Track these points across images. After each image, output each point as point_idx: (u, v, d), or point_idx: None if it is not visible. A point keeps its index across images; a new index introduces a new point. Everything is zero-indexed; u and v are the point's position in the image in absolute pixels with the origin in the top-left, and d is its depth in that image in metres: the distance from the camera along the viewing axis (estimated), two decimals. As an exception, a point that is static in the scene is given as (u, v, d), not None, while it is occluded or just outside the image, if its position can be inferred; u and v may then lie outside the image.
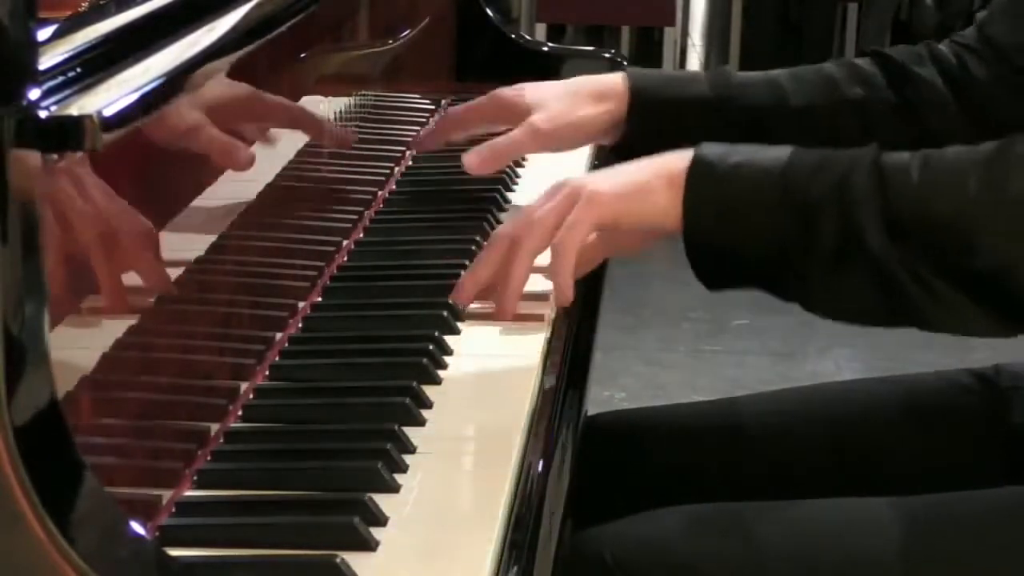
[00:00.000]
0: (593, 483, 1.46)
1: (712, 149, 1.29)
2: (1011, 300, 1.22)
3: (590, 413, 1.48)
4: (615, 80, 1.58)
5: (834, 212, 1.22)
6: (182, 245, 1.11)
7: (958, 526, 1.28)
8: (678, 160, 1.29)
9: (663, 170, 1.29)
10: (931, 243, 1.21)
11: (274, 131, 1.32)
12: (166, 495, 1.02)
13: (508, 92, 1.60)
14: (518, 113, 1.56)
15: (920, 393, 1.51)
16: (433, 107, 1.96)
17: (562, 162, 1.80)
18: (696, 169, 1.28)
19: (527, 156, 1.81)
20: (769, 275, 1.27)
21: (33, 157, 0.83)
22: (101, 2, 1.03)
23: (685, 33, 7.36)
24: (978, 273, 1.20)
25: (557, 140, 1.57)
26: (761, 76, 1.58)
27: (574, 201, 1.30)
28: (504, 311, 1.31)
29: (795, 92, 1.55)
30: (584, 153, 1.82)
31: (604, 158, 1.83)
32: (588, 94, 1.57)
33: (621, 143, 1.57)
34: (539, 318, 1.34)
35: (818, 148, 1.29)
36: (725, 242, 1.27)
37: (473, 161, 1.54)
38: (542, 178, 1.74)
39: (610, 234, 1.34)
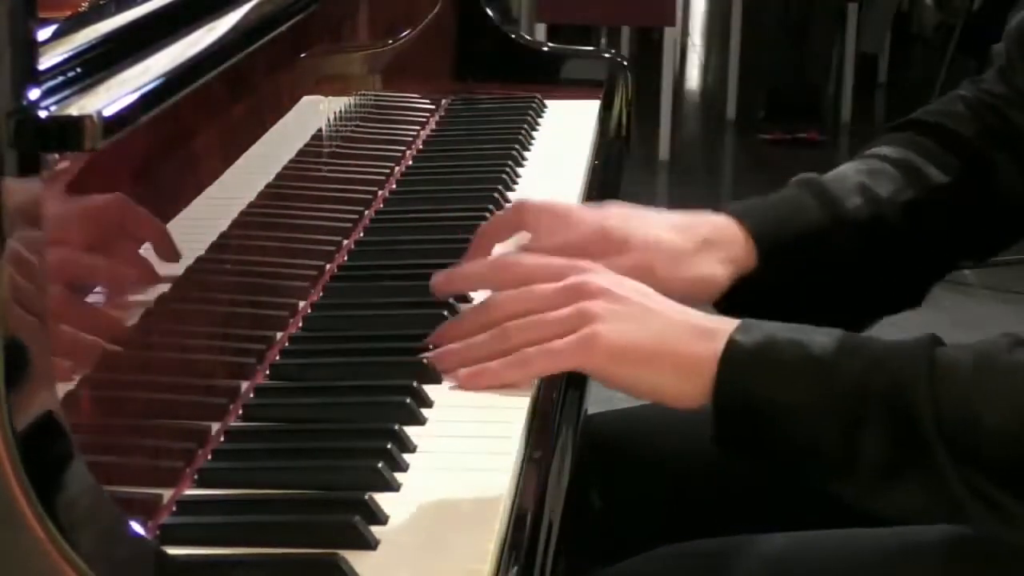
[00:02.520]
0: (593, 484, 1.46)
1: (744, 335, 1.16)
2: None
3: (590, 413, 1.48)
4: (727, 225, 1.37)
5: (885, 420, 1.13)
6: (182, 244, 1.11)
7: (942, 560, 1.27)
8: (696, 341, 1.17)
9: (679, 348, 1.17)
10: (995, 458, 1.12)
11: (274, 131, 1.32)
12: (167, 494, 1.03)
13: (610, 222, 1.34)
14: (612, 245, 1.33)
15: None
16: (433, 107, 1.96)
17: (563, 160, 1.80)
18: (727, 362, 1.15)
19: (527, 156, 1.82)
20: (812, 477, 1.19)
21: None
22: (101, 2, 1.03)
23: (685, 33, 7.37)
24: None
25: (675, 296, 1.28)
26: (849, 182, 1.42)
27: (574, 326, 1.17)
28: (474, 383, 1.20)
29: (891, 193, 1.42)
30: (584, 154, 1.82)
31: (603, 157, 1.83)
32: (704, 242, 1.35)
33: (738, 291, 1.37)
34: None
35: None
36: (762, 446, 1.17)
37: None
38: (542, 178, 1.74)
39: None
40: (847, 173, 1.44)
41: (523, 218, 1.37)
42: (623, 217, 1.35)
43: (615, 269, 1.25)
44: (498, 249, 1.38)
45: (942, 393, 1.12)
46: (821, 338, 1.17)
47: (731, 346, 1.16)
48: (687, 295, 1.31)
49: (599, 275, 1.22)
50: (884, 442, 1.13)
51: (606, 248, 1.31)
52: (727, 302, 1.37)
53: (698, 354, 1.16)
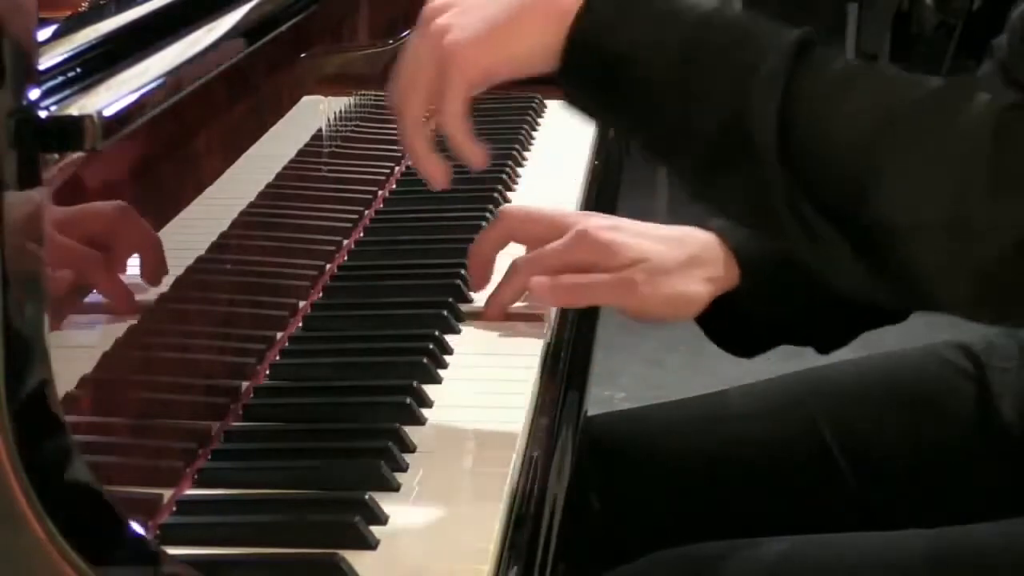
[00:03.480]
0: (593, 486, 1.46)
1: None
2: (906, 267, 1.03)
3: (590, 413, 1.48)
4: (712, 243, 1.35)
5: (728, 98, 1.06)
6: (183, 244, 1.11)
7: (952, 565, 1.27)
8: None
9: (536, 3, 1.14)
10: (826, 182, 1.04)
11: (274, 131, 1.32)
12: (167, 494, 1.03)
13: (598, 230, 1.32)
14: (599, 254, 1.31)
15: (907, 375, 1.50)
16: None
17: (563, 160, 1.80)
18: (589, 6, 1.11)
19: (527, 156, 1.82)
20: (645, 136, 1.14)
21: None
22: (101, 2, 1.03)
23: (685, 33, 7.35)
24: (871, 221, 1.03)
25: (653, 311, 1.32)
26: None
27: (445, 70, 1.16)
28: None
29: None
30: (584, 154, 1.82)
31: (603, 157, 1.83)
32: (690, 258, 1.33)
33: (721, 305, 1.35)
34: (539, 318, 1.34)
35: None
36: (607, 85, 1.11)
37: (544, 288, 1.29)
38: (542, 178, 1.74)
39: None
40: None
41: (510, 228, 1.37)
42: (610, 227, 1.33)
43: (598, 279, 1.27)
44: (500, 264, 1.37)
45: (799, 80, 1.06)
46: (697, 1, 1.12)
47: None
48: (667, 310, 1.31)
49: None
50: (726, 110, 1.07)
51: (593, 257, 1.31)
52: (708, 318, 1.37)
53: (560, 4, 1.13)
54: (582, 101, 1.16)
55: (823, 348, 1.41)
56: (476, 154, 1.19)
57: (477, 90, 1.17)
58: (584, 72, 1.13)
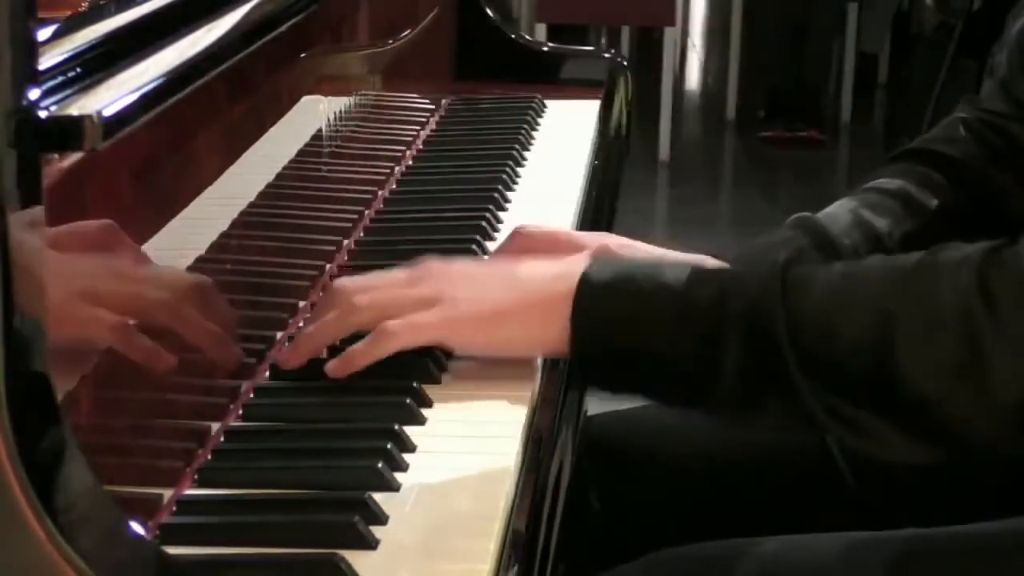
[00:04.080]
0: (592, 486, 1.47)
1: (596, 273, 1.17)
2: (943, 429, 1.10)
3: (590, 413, 1.48)
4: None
5: (739, 342, 1.12)
6: (183, 244, 1.11)
7: (949, 566, 1.27)
8: (548, 284, 1.18)
9: (526, 297, 1.18)
10: (845, 373, 1.10)
11: (274, 131, 1.32)
12: (167, 494, 1.03)
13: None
14: None
15: None
16: (433, 107, 1.96)
17: (563, 160, 1.80)
18: (583, 295, 1.16)
19: (527, 156, 1.82)
20: (673, 401, 1.19)
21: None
22: (101, 2, 1.03)
23: (685, 33, 7.37)
24: (902, 402, 1.10)
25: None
26: (844, 219, 1.39)
27: (432, 302, 1.18)
28: (340, 371, 1.19)
29: (889, 226, 1.39)
30: (584, 154, 1.82)
31: (603, 157, 1.83)
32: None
33: None
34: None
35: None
36: (625, 376, 1.17)
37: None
38: (542, 178, 1.74)
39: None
40: (842, 210, 1.41)
41: (522, 247, 1.35)
42: (620, 248, 1.34)
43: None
44: None
45: (796, 308, 1.11)
46: (674, 268, 1.17)
47: (584, 280, 1.16)
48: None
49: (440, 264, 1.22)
50: (741, 362, 1.11)
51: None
52: None
53: (555, 295, 1.16)
54: (604, 383, 1.20)
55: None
56: (348, 368, 1.18)
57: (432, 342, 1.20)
58: (598, 360, 1.17)
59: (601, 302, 1.16)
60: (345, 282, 1.23)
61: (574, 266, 1.18)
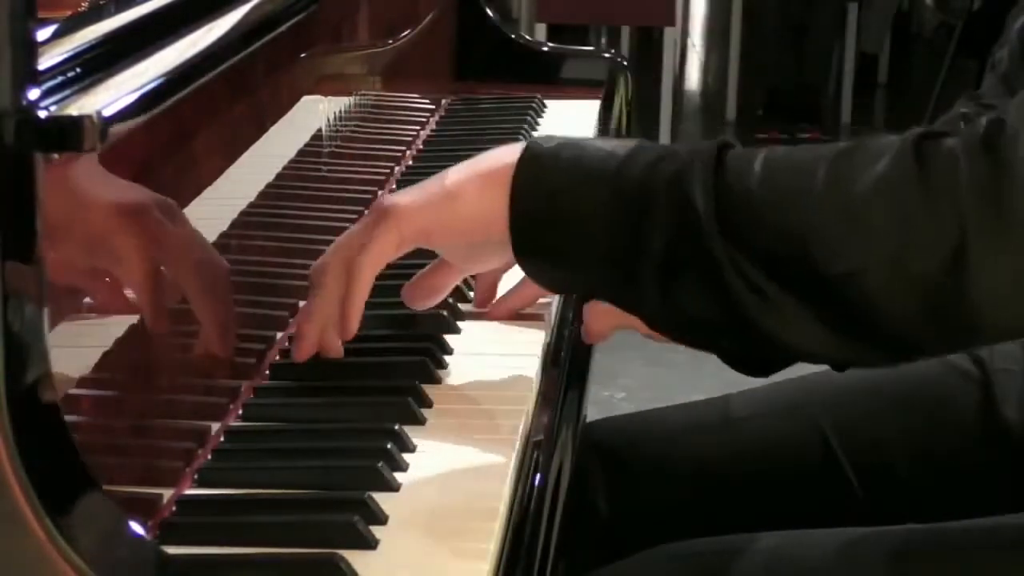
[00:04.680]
0: (599, 491, 1.47)
1: (543, 142, 1.17)
2: (857, 310, 1.08)
3: (590, 416, 1.48)
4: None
5: (666, 208, 1.10)
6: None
7: (948, 560, 1.26)
8: (497, 158, 1.17)
9: (478, 170, 1.18)
10: (768, 248, 1.08)
11: (274, 131, 1.32)
12: (167, 494, 1.03)
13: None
14: None
15: (911, 377, 1.49)
16: (433, 107, 1.96)
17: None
18: (524, 163, 1.15)
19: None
20: (603, 278, 1.15)
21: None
22: (101, 2, 1.03)
23: (685, 33, 7.37)
24: (821, 279, 1.07)
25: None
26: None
27: (381, 218, 1.19)
28: (346, 331, 1.20)
29: None
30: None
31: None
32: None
33: None
34: (539, 318, 1.34)
35: None
36: (556, 242, 1.14)
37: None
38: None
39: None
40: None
41: None
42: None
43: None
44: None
45: (724, 180, 1.10)
46: (623, 142, 1.16)
47: (530, 146, 1.15)
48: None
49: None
50: (665, 229, 1.10)
51: None
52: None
53: (501, 164, 1.16)
54: (538, 261, 1.17)
55: (839, 367, 1.38)
56: (349, 320, 1.19)
57: (402, 250, 1.19)
58: (532, 224, 1.14)
59: (543, 162, 1.15)
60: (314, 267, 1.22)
61: (516, 147, 1.17)
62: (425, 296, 1.28)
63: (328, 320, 1.19)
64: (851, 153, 1.09)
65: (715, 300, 1.10)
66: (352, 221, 1.52)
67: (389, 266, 1.44)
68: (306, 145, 1.42)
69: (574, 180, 1.13)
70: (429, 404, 1.17)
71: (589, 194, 1.13)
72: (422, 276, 1.27)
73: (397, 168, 1.72)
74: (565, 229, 1.14)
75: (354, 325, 1.19)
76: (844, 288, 1.06)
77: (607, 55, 2.20)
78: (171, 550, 0.92)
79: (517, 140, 1.82)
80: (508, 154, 1.16)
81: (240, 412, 1.16)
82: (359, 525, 0.98)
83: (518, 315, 1.34)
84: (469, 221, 1.17)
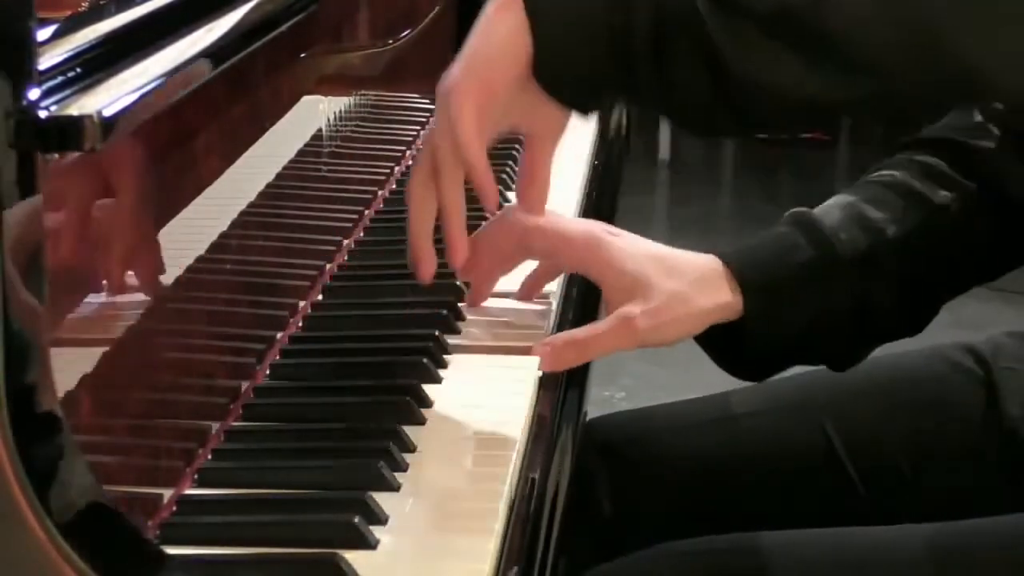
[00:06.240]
0: (603, 490, 1.47)
1: None
2: (845, 68, 1.11)
3: (590, 415, 1.48)
4: (714, 269, 1.31)
5: None
6: (183, 244, 1.11)
7: (950, 559, 1.27)
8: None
9: (491, 8, 1.22)
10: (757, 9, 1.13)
11: (274, 131, 1.32)
12: (167, 494, 1.03)
13: (596, 248, 1.31)
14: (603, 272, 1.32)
15: (913, 376, 1.50)
16: (433, 107, 1.96)
17: (563, 160, 1.79)
18: None
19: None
20: (608, 71, 1.19)
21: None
22: (101, 2, 1.03)
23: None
24: (819, 33, 1.11)
25: (657, 339, 1.30)
26: (843, 214, 1.36)
27: (446, 104, 1.24)
28: (489, 201, 1.24)
29: (889, 221, 1.36)
30: (584, 154, 1.82)
31: (603, 157, 1.83)
32: (693, 281, 1.30)
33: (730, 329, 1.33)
34: (539, 320, 1.34)
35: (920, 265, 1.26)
36: (572, 40, 1.19)
37: (546, 355, 1.25)
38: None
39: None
40: (839, 204, 1.37)
41: (530, 241, 1.34)
42: (608, 234, 1.33)
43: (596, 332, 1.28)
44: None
45: None
46: None
47: None
48: (679, 333, 1.31)
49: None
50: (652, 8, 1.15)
51: (598, 274, 1.31)
52: (716, 344, 1.36)
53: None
54: (553, 66, 1.21)
55: (837, 367, 1.38)
56: (490, 190, 1.23)
57: (486, 112, 1.22)
58: (543, 20, 1.19)
59: None
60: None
61: None
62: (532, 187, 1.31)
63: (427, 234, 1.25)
64: None
65: (706, 66, 1.14)
66: (352, 221, 1.53)
67: (389, 266, 1.44)
68: (306, 145, 1.42)
69: None
70: (429, 404, 1.17)
71: None
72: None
73: (397, 168, 1.72)
74: (572, 25, 1.18)
75: (494, 194, 1.23)
76: (840, 44, 1.10)
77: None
78: (171, 550, 0.92)
79: (517, 139, 1.82)
80: None
81: (240, 412, 1.16)
82: (359, 525, 0.98)
83: (517, 320, 1.34)
84: (502, 51, 1.21)
